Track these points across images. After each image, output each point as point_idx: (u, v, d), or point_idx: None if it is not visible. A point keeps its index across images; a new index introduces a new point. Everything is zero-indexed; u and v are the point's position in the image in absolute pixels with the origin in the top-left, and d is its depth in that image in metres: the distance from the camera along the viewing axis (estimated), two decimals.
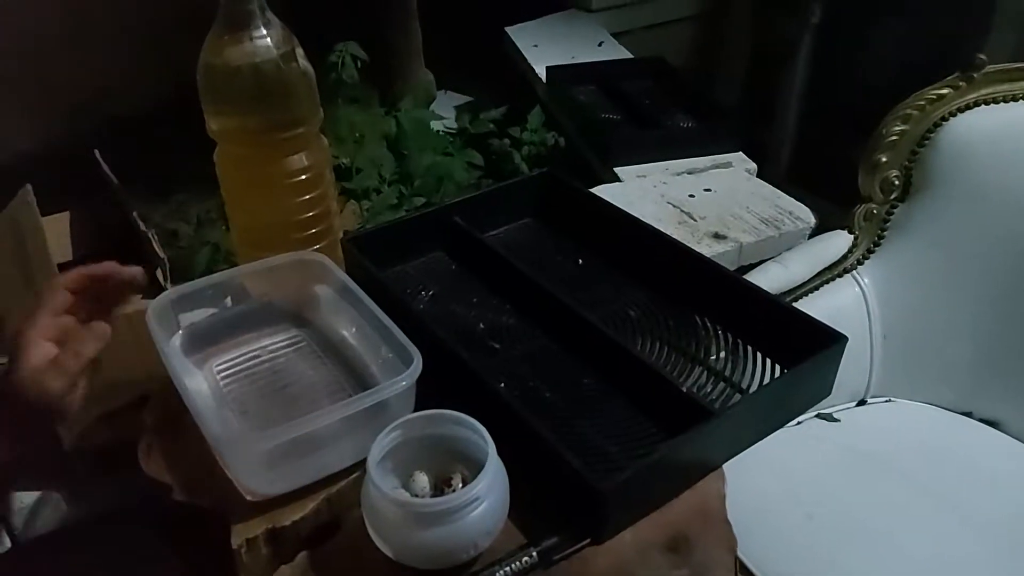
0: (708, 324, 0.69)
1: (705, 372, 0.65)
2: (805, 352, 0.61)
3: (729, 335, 0.68)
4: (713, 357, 0.67)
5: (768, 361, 0.66)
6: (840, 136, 1.58)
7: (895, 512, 0.94)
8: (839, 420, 1.12)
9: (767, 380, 0.64)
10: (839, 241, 1.15)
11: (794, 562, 0.87)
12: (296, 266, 0.68)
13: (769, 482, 0.97)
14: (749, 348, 0.67)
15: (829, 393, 0.65)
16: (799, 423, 1.10)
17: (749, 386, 0.64)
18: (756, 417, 0.60)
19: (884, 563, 0.87)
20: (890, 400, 1.16)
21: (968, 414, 1.12)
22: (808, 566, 0.86)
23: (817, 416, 1.12)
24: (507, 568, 0.50)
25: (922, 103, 1.12)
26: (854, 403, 1.16)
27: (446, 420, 0.54)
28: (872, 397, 1.17)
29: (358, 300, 0.64)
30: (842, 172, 1.24)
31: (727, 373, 0.65)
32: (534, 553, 0.51)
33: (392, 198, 1.46)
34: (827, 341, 0.61)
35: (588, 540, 0.52)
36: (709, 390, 0.63)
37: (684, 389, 0.59)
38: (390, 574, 0.51)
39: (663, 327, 0.70)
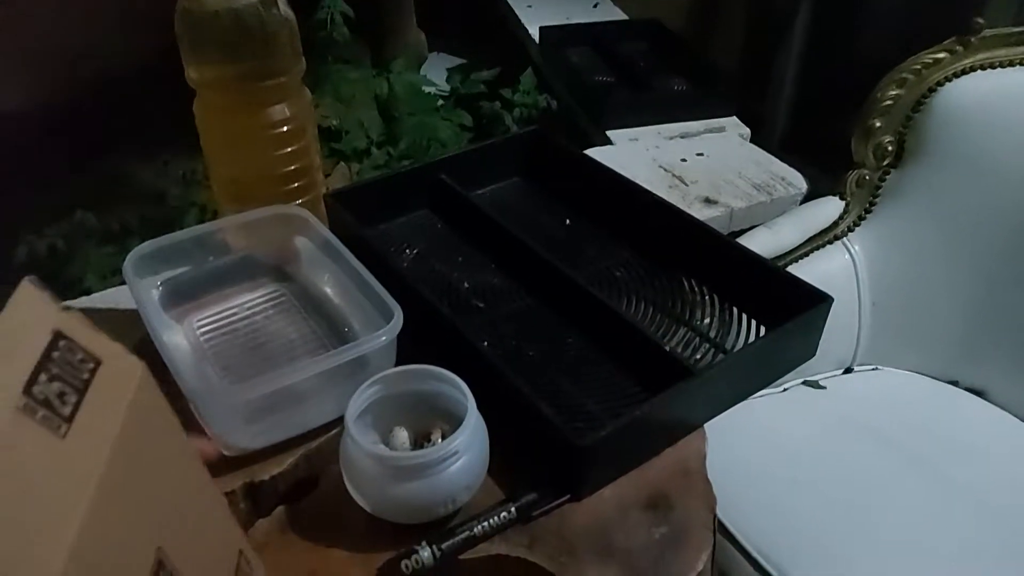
0: (695, 285, 0.69)
1: (690, 333, 0.65)
2: (791, 312, 0.60)
3: (715, 296, 0.68)
4: (699, 318, 0.66)
5: (754, 323, 0.65)
6: (835, 104, 1.56)
7: (879, 479, 0.95)
8: (825, 387, 1.12)
9: (751, 340, 0.64)
10: (830, 207, 1.15)
11: (776, 526, 0.87)
12: (277, 220, 0.67)
13: (754, 447, 0.97)
14: (735, 309, 0.67)
15: (813, 354, 0.64)
16: (784, 389, 1.10)
17: (734, 347, 0.64)
18: (738, 377, 0.59)
19: (866, 529, 0.87)
20: (876, 368, 1.17)
21: (954, 383, 1.13)
22: (790, 530, 0.87)
23: (803, 383, 1.12)
24: (485, 523, 0.50)
25: (918, 67, 1.11)
26: (840, 370, 1.16)
27: (426, 375, 0.53)
28: (859, 365, 1.17)
29: (339, 255, 0.63)
30: (835, 140, 1.22)
31: (712, 334, 0.65)
32: (513, 509, 0.51)
33: (380, 160, 1.44)
34: (813, 301, 0.61)
35: (567, 497, 0.52)
36: (693, 350, 0.63)
37: (667, 348, 0.59)
38: (368, 529, 0.51)
39: (649, 288, 0.69)
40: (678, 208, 0.71)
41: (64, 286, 1.28)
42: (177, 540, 0.35)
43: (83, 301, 0.82)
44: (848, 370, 1.16)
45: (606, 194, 0.77)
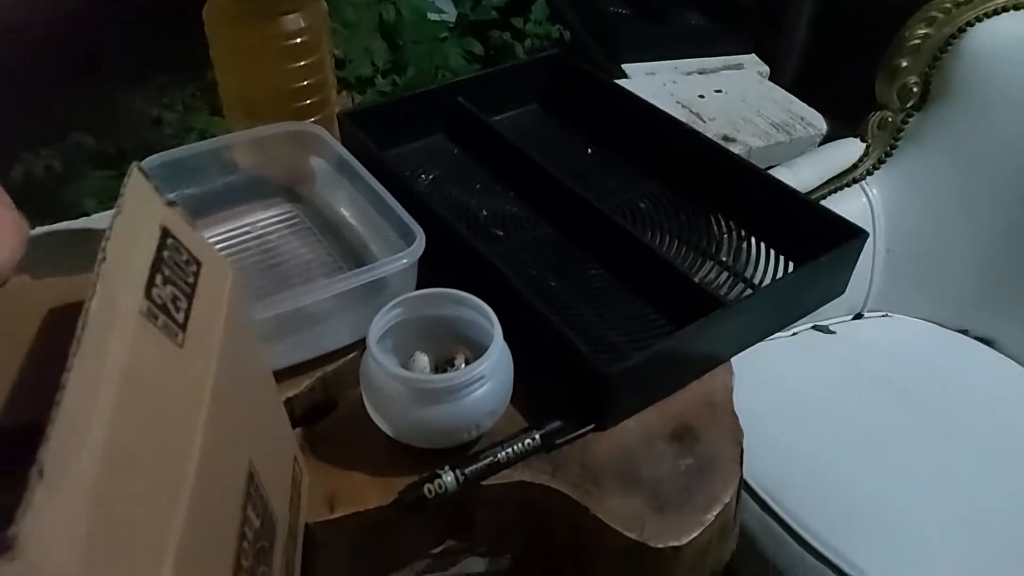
0: (721, 218, 0.67)
1: (716, 266, 0.63)
2: (822, 248, 0.58)
3: (743, 230, 0.66)
4: (725, 251, 0.64)
5: (782, 258, 0.64)
6: (852, 44, 1.52)
7: (886, 424, 0.94)
8: (835, 332, 1.11)
9: (780, 276, 0.62)
10: (850, 149, 1.12)
11: (783, 468, 0.87)
12: (290, 137, 0.64)
13: (762, 389, 0.96)
14: (763, 244, 0.65)
15: (843, 291, 0.63)
16: (794, 333, 1.09)
17: (761, 281, 0.62)
18: (768, 311, 0.58)
19: (872, 474, 0.87)
20: (886, 315, 1.15)
21: (964, 332, 1.12)
22: (797, 473, 0.86)
23: (813, 327, 1.11)
24: (508, 450, 0.49)
25: (948, 5, 1.07)
26: (851, 316, 1.15)
27: (450, 299, 0.51)
28: (869, 311, 1.16)
29: (356, 175, 0.60)
30: (852, 81, 1.19)
31: (738, 268, 0.63)
32: (537, 436, 0.49)
33: (385, 89, 1.40)
34: (846, 235, 0.59)
35: (591, 426, 0.51)
36: (720, 284, 0.61)
37: (696, 280, 0.57)
38: (388, 452, 0.50)
39: (674, 220, 0.67)
40: (707, 137, 0.68)
41: (62, 208, 1.24)
42: (259, 448, 0.33)
43: (83, 222, 0.79)
44: (858, 316, 1.15)
45: (631, 122, 0.74)
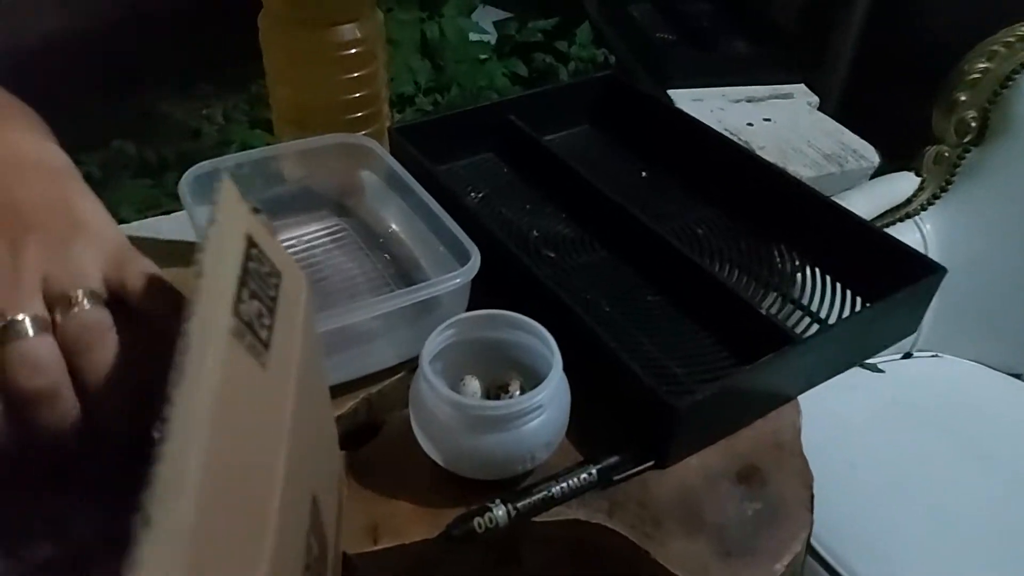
0: (784, 247, 0.64)
1: (779, 298, 0.60)
2: (894, 283, 0.55)
3: (807, 260, 0.63)
4: (788, 283, 0.61)
5: (848, 292, 0.61)
6: (902, 78, 1.49)
7: (936, 467, 0.91)
8: (883, 371, 1.07)
9: (847, 311, 0.59)
10: (904, 183, 1.09)
11: (828, 508, 0.83)
12: (341, 149, 0.62)
13: (809, 427, 0.93)
14: (828, 276, 0.62)
15: (914, 330, 0.59)
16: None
17: (828, 316, 0.59)
18: (838, 348, 0.55)
19: (923, 517, 0.84)
20: (936, 355, 1.12)
21: (1018, 376, 1.07)
22: (842, 514, 0.83)
23: (861, 366, 1.08)
24: (564, 484, 0.46)
25: (1011, 39, 1.04)
26: (900, 355, 1.11)
27: (507, 323, 0.48)
28: (918, 351, 1.12)
29: (409, 190, 0.58)
30: (898, 115, 1.16)
31: (804, 301, 0.60)
32: (593, 471, 0.46)
33: (426, 107, 1.38)
34: (923, 272, 0.56)
35: (651, 463, 0.48)
36: (785, 317, 0.58)
37: (764, 312, 0.54)
38: (435, 481, 0.47)
39: (734, 248, 0.64)
40: (770, 163, 0.66)
41: None
42: (321, 470, 0.31)
43: (123, 229, 0.78)
44: (907, 355, 1.11)
45: (688, 145, 0.72)
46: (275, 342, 0.25)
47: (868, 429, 0.96)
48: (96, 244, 0.33)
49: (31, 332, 0.28)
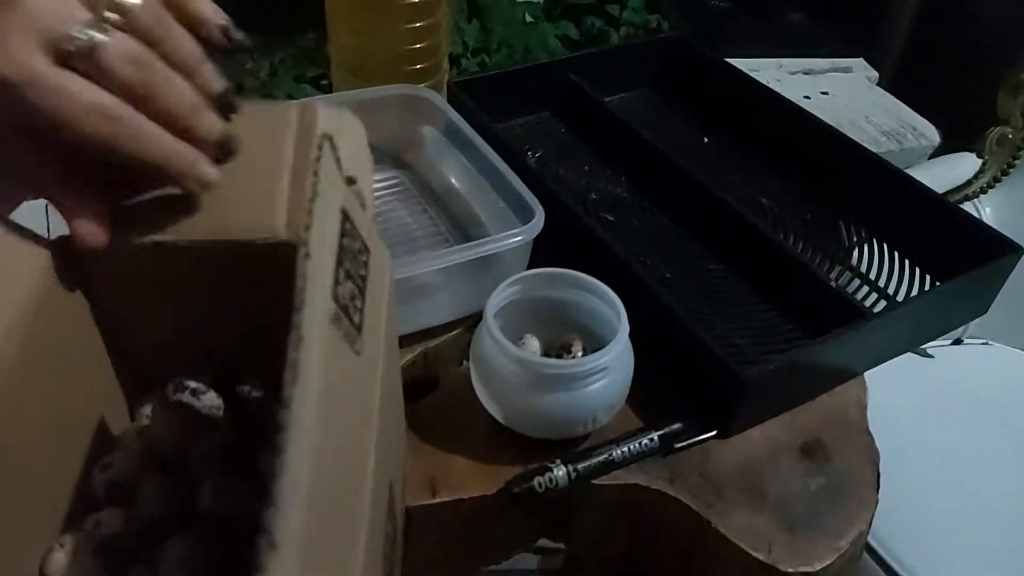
0: (851, 220, 0.62)
1: (846, 272, 0.58)
2: (968, 262, 0.53)
3: (874, 234, 0.61)
4: (856, 257, 0.59)
5: (917, 270, 0.59)
6: (957, 55, 1.44)
7: (983, 457, 0.89)
8: (932, 356, 1.04)
9: (915, 288, 0.57)
10: (966, 164, 1.05)
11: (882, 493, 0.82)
12: (401, 101, 0.61)
13: None
14: (896, 252, 0.60)
15: (986, 311, 0.58)
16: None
17: (895, 293, 0.57)
18: (909, 326, 0.53)
19: (966, 506, 0.82)
20: (987, 343, 1.09)
21: None
22: (891, 499, 0.81)
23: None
24: (625, 448, 0.45)
25: None
26: (949, 342, 1.08)
27: (572, 283, 0.47)
28: (969, 338, 1.09)
29: (470, 144, 0.57)
30: (961, 96, 1.12)
31: (872, 276, 0.58)
32: (655, 437, 0.46)
33: (472, 67, 1.36)
34: (1000, 250, 0.53)
35: (714, 432, 0.47)
36: (852, 292, 0.56)
37: (834, 284, 0.52)
38: (492, 439, 0.46)
39: (798, 219, 0.63)
40: (843, 134, 0.63)
41: None
42: (397, 453, 0.30)
43: None
44: (957, 341, 1.08)
45: (754, 112, 0.70)
46: (366, 326, 0.24)
47: (916, 414, 0.94)
48: None
49: (107, 36, 0.27)
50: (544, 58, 1.26)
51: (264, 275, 0.25)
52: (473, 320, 0.51)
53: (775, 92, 0.69)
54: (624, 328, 0.44)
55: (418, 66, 0.65)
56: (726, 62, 0.74)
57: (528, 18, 1.53)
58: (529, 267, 0.51)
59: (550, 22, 1.42)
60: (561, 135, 0.72)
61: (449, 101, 0.67)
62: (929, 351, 1.06)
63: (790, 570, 0.41)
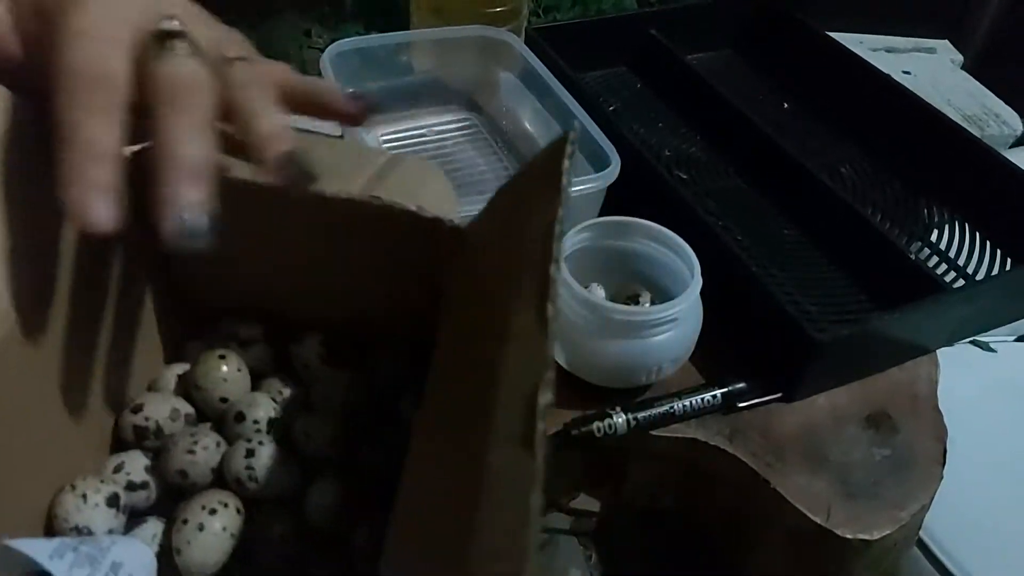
0: (933, 194, 0.60)
1: (925, 247, 0.57)
2: None
3: (957, 209, 0.59)
4: (935, 232, 0.57)
5: (999, 251, 0.57)
6: None
7: None
8: (995, 351, 1.01)
9: (995, 268, 0.55)
10: None
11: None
12: (480, 43, 0.61)
13: None
14: (977, 232, 0.58)
15: None
16: (952, 346, 1.01)
17: (975, 272, 0.55)
18: (988, 305, 0.51)
19: (1019, 505, 0.80)
20: None
21: None
22: (943, 491, 0.79)
23: (971, 342, 1.02)
24: (686, 402, 0.44)
25: None
26: (1013, 337, 1.05)
27: (645, 233, 0.47)
28: None
29: (547, 90, 0.56)
30: None
31: (950, 253, 0.56)
32: (718, 394, 0.45)
33: (540, 25, 1.34)
34: None
35: (779, 395, 0.46)
36: (930, 267, 0.54)
37: (913, 257, 0.51)
38: (555, 384, 0.46)
39: (878, 192, 0.61)
40: (934, 108, 0.61)
41: None
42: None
43: None
44: (1021, 338, 1.05)
45: (839, 79, 0.67)
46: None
47: (974, 408, 0.90)
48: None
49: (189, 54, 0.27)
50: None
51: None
52: None
53: (866, 61, 0.67)
54: (697, 282, 0.43)
55: (498, 8, 0.64)
56: (813, 27, 0.72)
57: None
58: (600, 214, 0.50)
59: None
60: (636, 90, 0.71)
61: (528, 47, 0.66)
62: (992, 345, 1.03)
63: (848, 536, 0.40)
